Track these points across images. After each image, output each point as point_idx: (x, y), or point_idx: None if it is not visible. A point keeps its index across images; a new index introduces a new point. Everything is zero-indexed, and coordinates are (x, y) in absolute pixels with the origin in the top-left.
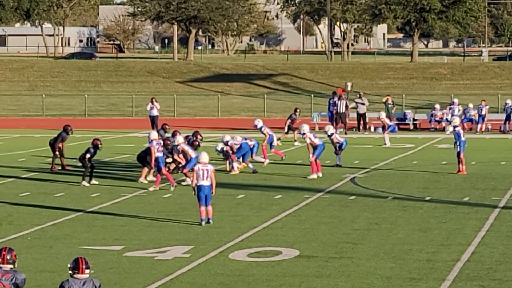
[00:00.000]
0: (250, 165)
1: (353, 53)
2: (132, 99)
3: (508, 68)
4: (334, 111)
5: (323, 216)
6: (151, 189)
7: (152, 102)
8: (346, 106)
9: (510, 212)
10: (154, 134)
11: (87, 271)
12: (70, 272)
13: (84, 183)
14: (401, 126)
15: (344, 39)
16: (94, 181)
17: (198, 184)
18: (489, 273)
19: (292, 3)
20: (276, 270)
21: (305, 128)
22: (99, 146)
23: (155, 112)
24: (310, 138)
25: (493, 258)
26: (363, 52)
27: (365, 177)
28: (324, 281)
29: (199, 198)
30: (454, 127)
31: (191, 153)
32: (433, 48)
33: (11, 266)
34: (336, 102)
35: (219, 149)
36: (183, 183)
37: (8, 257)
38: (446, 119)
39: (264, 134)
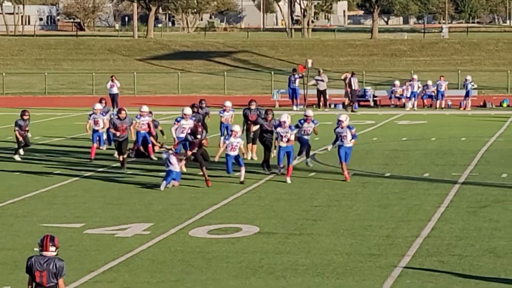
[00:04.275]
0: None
1: (313, 30)
2: (92, 77)
3: (468, 44)
4: (348, 89)
5: (283, 193)
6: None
7: (112, 80)
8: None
9: (470, 187)
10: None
11: (52, 248)
12: (37, 249)
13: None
14: (361, 103)
15: (304, 16)
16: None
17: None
18: (449, 249)
19: None
20: (236, 246)
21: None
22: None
23: (115, 90)
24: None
25: (453, 233)
26: (324, 29)
27: (324, 154)
28: (284, 257)
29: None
30: (349, 127)
31: None
32: (393, 25)
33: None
34: (351, 79)
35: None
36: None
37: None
38: (406, 95)
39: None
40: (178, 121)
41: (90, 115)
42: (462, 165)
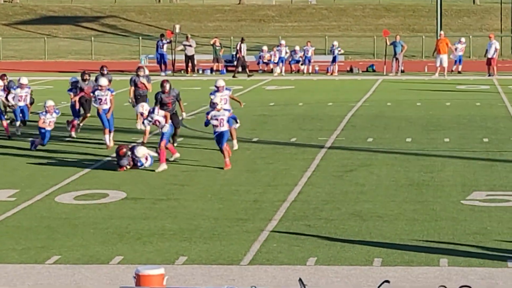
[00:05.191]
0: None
1: None
2: None
3: (336, 10)
4: (241, 55)
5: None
6: None
7: None
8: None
9: (336, 152)
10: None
11: None
12: None
13: None
14: (229, 68)
15: None
16: None
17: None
18: (315, 213)
19: None
20: (103, 212)
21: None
22: None
23: None
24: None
25: (319, 197)
26: None
27: (193, 119)
28: (151, 222)
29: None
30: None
31: None
32: None
33: None
34: (241, 45)
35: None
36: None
37: None
38: (274, 61)
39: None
40: (94, 93)
41: None
42: (328, 130)
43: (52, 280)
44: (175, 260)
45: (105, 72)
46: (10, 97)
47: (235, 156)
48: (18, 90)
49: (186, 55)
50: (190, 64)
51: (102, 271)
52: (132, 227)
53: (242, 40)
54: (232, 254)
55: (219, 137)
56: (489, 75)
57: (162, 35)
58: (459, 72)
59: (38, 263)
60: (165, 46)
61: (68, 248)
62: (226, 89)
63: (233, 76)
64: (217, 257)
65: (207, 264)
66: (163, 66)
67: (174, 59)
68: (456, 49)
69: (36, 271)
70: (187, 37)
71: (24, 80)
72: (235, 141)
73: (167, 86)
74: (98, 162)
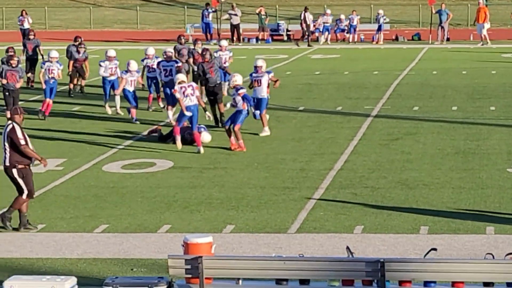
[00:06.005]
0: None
1: None
2: (2, 12)
3: None
4: (304, 25)
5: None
6: None
7: (22, 15)
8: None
9: (382, 120)
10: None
11: None
12: None
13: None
14: (275, 37)
15: None
16: None
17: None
18: (362, 181)
19: None
20: (150, 181)
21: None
22: None
23: (26, 25)
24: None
25: (366, 166)
26: None
27: None
28: (198, 191)
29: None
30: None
31: None
32: None
33: None
34: (305, 14)
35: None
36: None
37: None
38: (319, 29)
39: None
40: (160, 64)
41: (44, 62)
42: (374, 99)
43: (101, 249)
44: (222, 228)
45: (183, 41)
46: (101, 71)
47: (281, 125)
48: (107, 63)
49: (231, 24)
50: (235, 33)
51: (150, 239)
52: (180, 195)
53: (306, 9)
54: (279, 223)
55: (234, 116)
56: None
57: (207, 4)
58: None
59: (87, 232)
60: (210, 15)
61: (116, 217)
62: (267, 72)
63: (308, 45)
64: (264, 226)
65: (255, 233)
66: (208, 35)
67: (220, 28)
68: None
69: (84, 239)
70: (232, 6)
71: (112, 53)
72: (266, 128)
73: (207, 55)
74: (145, 131)
